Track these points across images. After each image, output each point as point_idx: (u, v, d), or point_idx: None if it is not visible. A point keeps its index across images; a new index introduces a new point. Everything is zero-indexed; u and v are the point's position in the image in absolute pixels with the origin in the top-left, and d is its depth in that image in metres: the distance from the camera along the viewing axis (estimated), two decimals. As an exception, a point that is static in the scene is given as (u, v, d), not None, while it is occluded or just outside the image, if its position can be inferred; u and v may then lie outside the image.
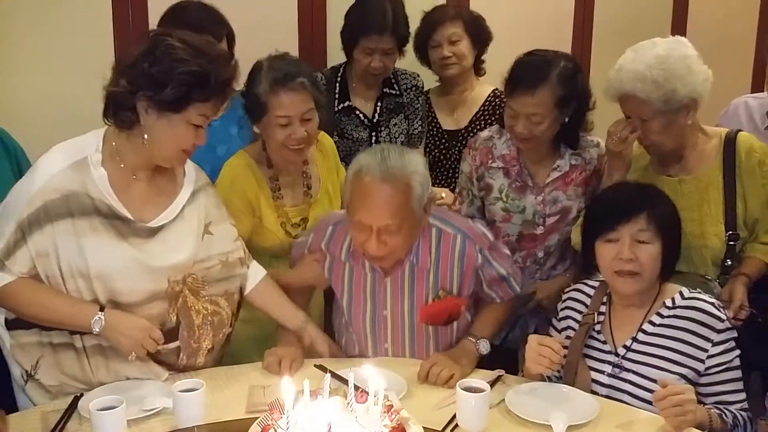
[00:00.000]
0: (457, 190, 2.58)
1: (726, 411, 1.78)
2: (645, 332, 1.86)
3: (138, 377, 1.86)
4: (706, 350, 1.80)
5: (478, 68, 2.90)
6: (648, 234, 1.82)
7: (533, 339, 1.85)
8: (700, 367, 1.80)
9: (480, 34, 2.83)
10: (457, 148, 2.84)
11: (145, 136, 1.75)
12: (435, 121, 2.91)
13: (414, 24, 2.82)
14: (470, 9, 3.13)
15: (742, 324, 2.03)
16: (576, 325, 1.96)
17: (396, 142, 2.77)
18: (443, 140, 2.89)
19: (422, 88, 2.89)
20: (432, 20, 2.83)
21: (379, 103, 2.80)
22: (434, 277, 2.01)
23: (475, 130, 2.79)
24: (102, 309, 1.76)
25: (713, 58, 2.16)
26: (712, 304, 1.84)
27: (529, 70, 2.23)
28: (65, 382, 1.83)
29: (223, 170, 2.22)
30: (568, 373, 1.90)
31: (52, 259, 1.75)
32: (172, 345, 1.89)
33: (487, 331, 2.08)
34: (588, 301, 1.98)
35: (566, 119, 2.29)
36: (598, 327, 1.93)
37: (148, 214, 1.84)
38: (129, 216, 1.80)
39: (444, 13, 2.87)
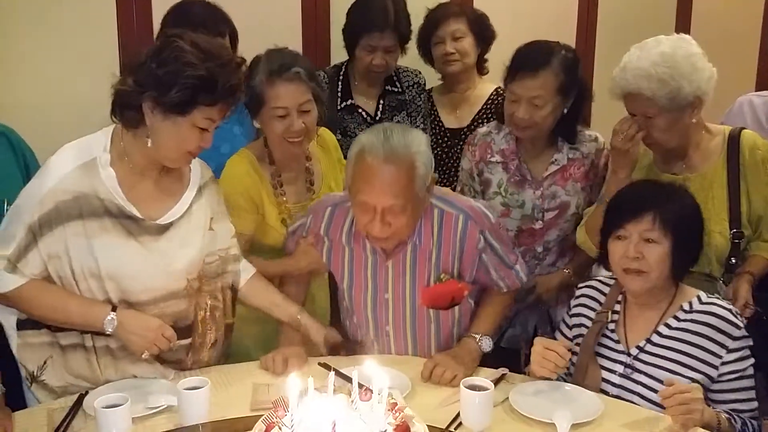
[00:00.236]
0: (458, 187, 2.58)
1: (736, 417, 1.77)
2: (660, 334, 1.85)
3: (146, 376, 1.87)
4: (720, 357, 1.79)
5: (481, 67, 2.90)
6: (656, 233, 1.81)
7: (539, 342, 1.84)
8: (714, 373, 1.79)
9: (484, 32, 2.83)
10: (459, 147, 2.84)
11: (150, 136, 1.75)
12: (437, 119, 2.91)
13: (418, 21, 2.82)
14: (474, 7, 3.13)
15: (747, 322, 2.03)
16: (588, 323, 1.96)
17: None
18: (445, 138, 2.89)
19: (424, 85, 2.89)
20: (436, 17, 2.83)
21: (381, 101, 2.80)
22: (436, 258, 1.99)
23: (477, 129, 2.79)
24: (114, 309, 1.77)
25: (717, 55, 2.16)
26: (730, 310, 1.82)
27: (532, 54, 2.28)
28: (71, 383, 1.84)
29: (226, 168, 2.23)
30: (579, 371, 1.89)
31: (64, 260, 1.76)
32: (184, 342, 1.90)
33: (488, 327, 2.07)
34: (602, 298, 1.97)
35: (565, 110, 2.31)
36: (611, 326, 1.92)
37: (157, 212, 1.85)
38: (138, 215, 1.81)
39: (448, 9, 2.87)
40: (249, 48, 2.25)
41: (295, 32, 3.18)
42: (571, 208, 2.42)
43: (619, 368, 1.87)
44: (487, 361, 2.03)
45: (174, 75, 1.69)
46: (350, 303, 2.09)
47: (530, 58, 2.27)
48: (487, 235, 2.00)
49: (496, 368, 1.95)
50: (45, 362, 1.83)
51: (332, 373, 1.52)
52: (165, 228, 1.85)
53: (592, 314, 1.97)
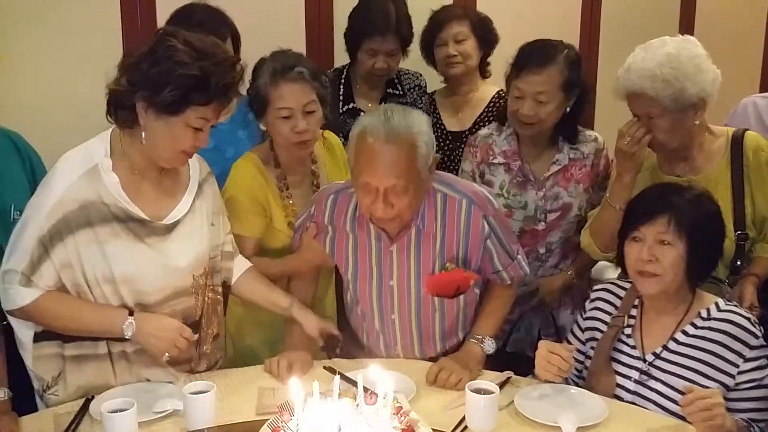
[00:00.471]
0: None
1: (755, 426, 1.76)
2: (677, 341, 1.84)
3: (159, 380, 1.87)
4: (737, 365, 1.77)
5: (483, 70, 2.90)
6: (670, 235, 1.79)
7: (543, 346, 1.83)
8: (730, 382, 1.77)
9: (486, 36, 2.83)
10: (461, 149, 2.83)
11: (144, 135, 1.75)
12: (439, 122, 2.91)
13: (421, 23, 2.83)
14: (477, 10, 3.13)
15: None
16: (602, 326, 1.94)
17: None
18: (447, 141, 2.88)
19: (425, 87, 2.90)
20: (439, 19, 2.83)
21: (382, 104, 2.80)
22: (441, 243, 1.98)
23: (479, 132, 2.80)
24: (131, 313, 1.78)
25: (721, 56, 2.15)
26: (748, 319, 1.81)
27: (538, 51, 2.30)
28: (86, 392, 1.83)
29: (232, 171, 2.23)
30: (593, 376, 1.88)
31: (77, 269, 1.76)
32: (194, 337, 1.90)
33: (489, 328, 2.06)
34: (617, 302, 1.96)
35: (567, 109, 2.32)
36: (627, 331, 1.91)
37: (162, 212, 1.85)
38: (144, 216, 1.81)
39: (451, 12, 2.88)
40: (253, 51, 2.25)
41: (299, 35, 3.18)
42: (574, 210, 2.42)
43: (635, 374, 1.85)
44: (492, 364, 2.03)
45: (166, 74, 1.68)
46: (355, 293, 2.08)
47: (535, 55, 2.29)
48: (491, 221, 1.99)
49: (501, 371, 1.95)
50: (59, 374, 1.83)
51: (337, 376, 1.52)
52: (171, 227, 1.86)
53: (606, 318, 1.95)
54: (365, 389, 1.43)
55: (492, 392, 1.68)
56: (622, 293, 1.97)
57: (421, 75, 2.90)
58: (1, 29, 2.80)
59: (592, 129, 2.57)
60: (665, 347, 1.85)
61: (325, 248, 2.08)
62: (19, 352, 1.86)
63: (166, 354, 1.80)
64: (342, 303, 2.26)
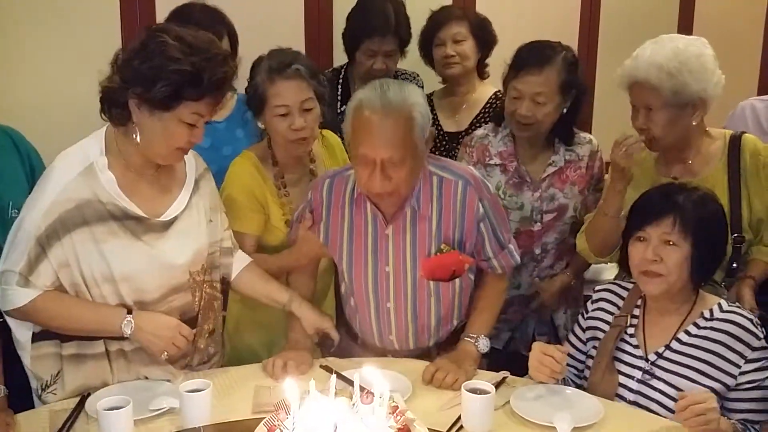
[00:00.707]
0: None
1: (751, 428, 1.76)
2: (679, 341, 1.84)
3: (157, 378, 1.87)
4: (738, 366, 1.77)
5: (481, 71, 2.91)
6: (675, 236, 1.79)
7: (536, 347, 1.84)
8: (731, 382, 1.78)
9: (485, 37, 2.84)
10: (457, 150, 2.84)
11: (138, 133, 1.75)
12: (436, 122, 2.90)
13: (420, 23, 2.83)
14: (476, 11, 3.13)
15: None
16: (604, 326, 1.95)
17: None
18: (444, 142, 2.89)
19: (422, 87, 2.90)
20: (438, 19, 2.84)
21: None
22: (437, 225, 1.97)
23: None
24: (130, 312, 1.78)
25: (720, 59, 2.15)
26: (751, 320, 1.81)
27: (536, 52, 2.31)
28: (84, 392, 1.83)
29: (230, 169, 2.23)
30: (595, 375, 1.89)
31: (74, 268, 1.76)
32: (193, 335, 1.90)
33: (483, 325, 2.06)
34: (620, 302, 1.97)
35: (564, 110, 2.33)
36: (630, 330, 1.91)
37: (159, 209, 1.85)
38: (141, 214, 1.81)
39: (450, 12, 2.88)
40: (252, 51, 2.25)
41: (298, 35, 3.18)
42: (569, 211, 2.43)
43: (637, 374, 1.85)
44: (487, 364, 2.04)
45: (158, 70, 1.67)
46: (350, 283, 2.07)
47: (534, 56, 2.30)
48: (485, 204, 1.99)
49: (497, 371, 1.96)
50: (57, 373, 1.83)
51: (334, 375, 1.52)
52: (168, 224, 1.85)
53: (609, 318, 1.96)
54: (362, 388, 1.43)
55: (488, 392, 1.69)
56: (624, 293, 1.98)
57: (418, 75, 2.91)
58: (1, 29, 2.80)
59: (590, 130, 2.58)
60: (668, 347, 1.85)
61: (319, 236, 2.07)
62: (17, 351, 1.86)
63: (165, 353, 1.80)
64: (340, 302, 2.26)
